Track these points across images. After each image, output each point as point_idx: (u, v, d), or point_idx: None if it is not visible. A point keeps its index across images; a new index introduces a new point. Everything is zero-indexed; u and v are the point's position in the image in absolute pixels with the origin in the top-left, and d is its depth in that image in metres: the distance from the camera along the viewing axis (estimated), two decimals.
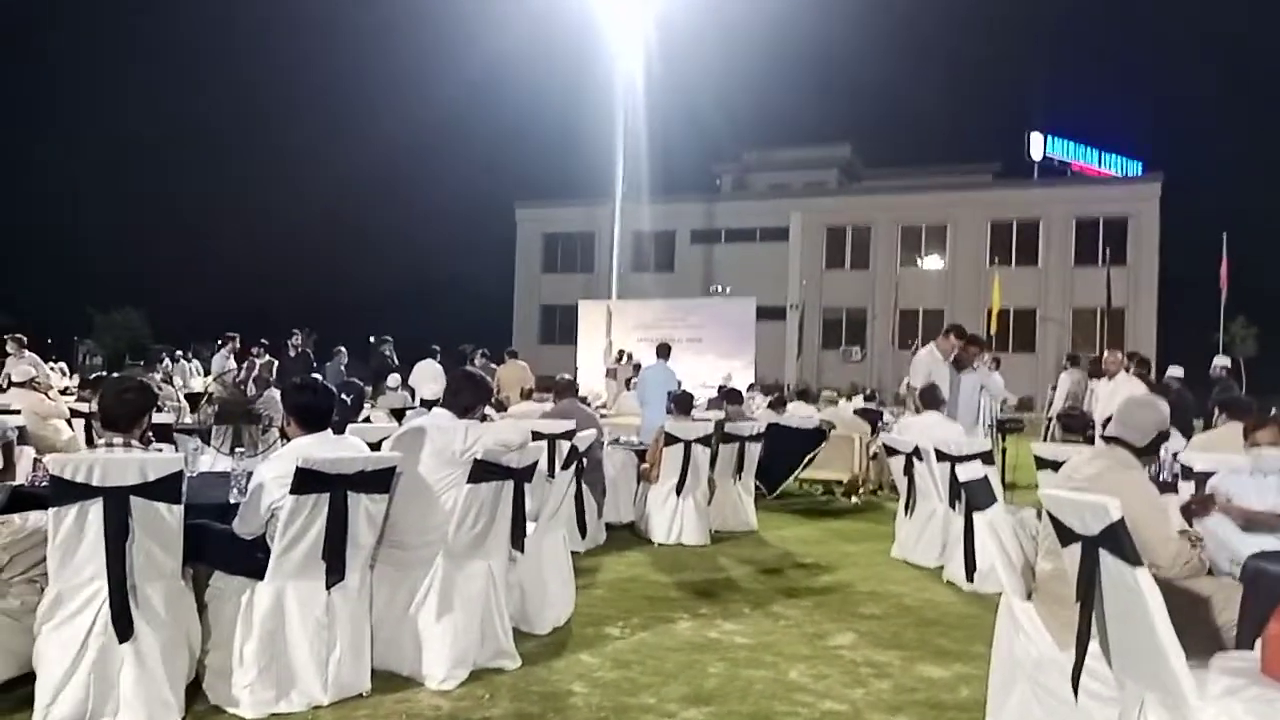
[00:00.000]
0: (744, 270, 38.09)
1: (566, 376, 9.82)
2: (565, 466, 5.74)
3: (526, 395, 12.49)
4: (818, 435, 10.95)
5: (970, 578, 6.41)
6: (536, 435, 5.35)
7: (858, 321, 39.44)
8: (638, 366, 18.02)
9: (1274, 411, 5.54)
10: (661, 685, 4.44)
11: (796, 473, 10.76)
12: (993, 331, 31.17)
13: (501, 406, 10.45)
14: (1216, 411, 7.51)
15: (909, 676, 4.67)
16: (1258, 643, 3.21)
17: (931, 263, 38.70)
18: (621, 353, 21.01)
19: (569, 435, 6.22)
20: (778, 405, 12.44)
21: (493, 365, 16.14)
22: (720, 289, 36.05)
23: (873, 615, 5.84)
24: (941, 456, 7.11)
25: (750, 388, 17.95)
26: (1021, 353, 34.95)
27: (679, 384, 11.29)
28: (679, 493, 8.04)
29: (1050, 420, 12.64)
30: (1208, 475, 5.01)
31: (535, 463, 4.93)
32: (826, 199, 41.59)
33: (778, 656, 4.92)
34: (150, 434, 4.35)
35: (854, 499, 11.00)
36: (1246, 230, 32.17)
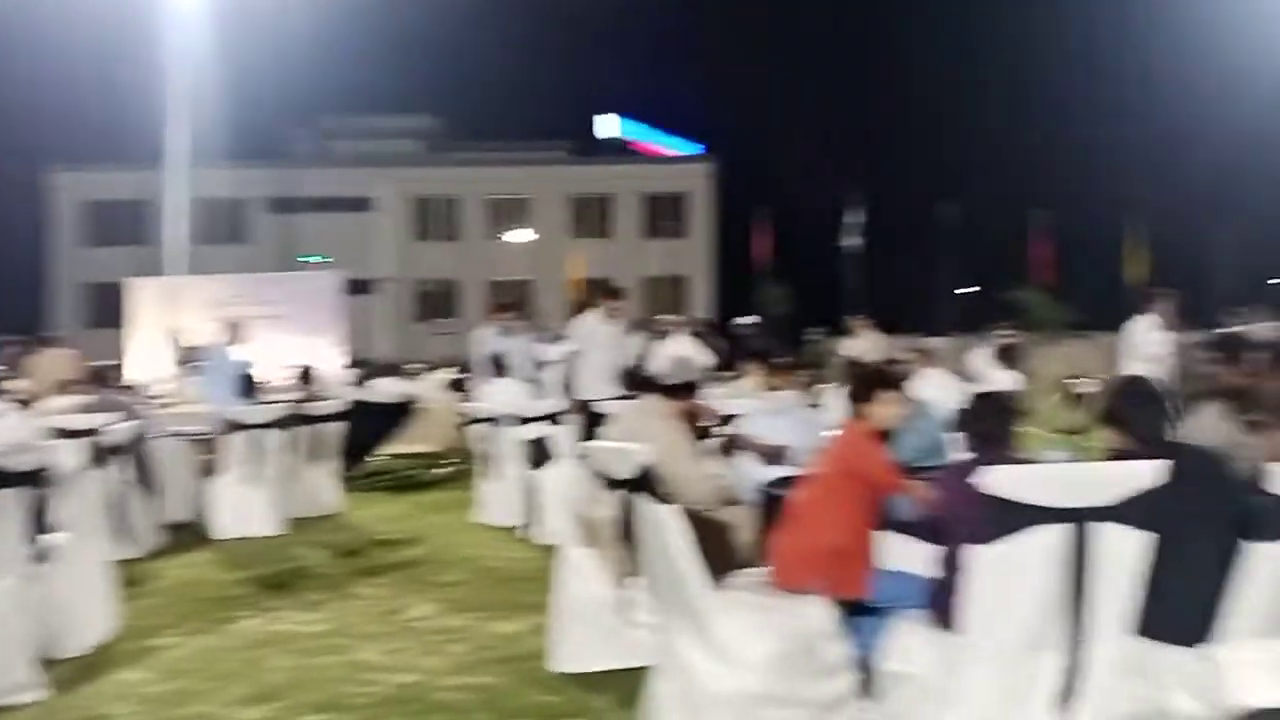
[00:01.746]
0: (329, 242, 36.41)
1: (99, 364, 8.70)
2: (98, 465, 5.07)
3: (64, 388, 10.89)
4: (405, 409, 10.80)
5: (529, 531, 6.74)
6: (65, 433, 4.66)
7: (449, 293, 39.52)
8: (202, 349, 16.49)
9: (779, 359, 6.39)
10: (219, 689, 4.11)
11: (379, 448, 10.54)
12: (575, 301, 32.92)
13: (27, 403, 9.00)
14: (748, 362, 8.52)
15: (484, 636, 4.76)
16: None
17: (518, 235, 39.81)
18: (184, 334, 19.02)
19: (95, 431, 5.49)
20: (363, 381, 12.06)
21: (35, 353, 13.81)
22: (310, 260, 34.14)
23: (453, 582, 5.89)
24: (519, 420, 7.33)
25: (345, 365, 17.21)
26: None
27: (249, 366, 10.52)
28: (248, 482, 7.48)
29: None
30: (736, 417, 5.64)
31: (46, 467, 4.28)
32: (414, 169, 40.95)
33: (351, 639, 4.78)
34: None
35: (444, 469, 11.02)
36: (781, 205, 36.87)
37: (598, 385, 8.27)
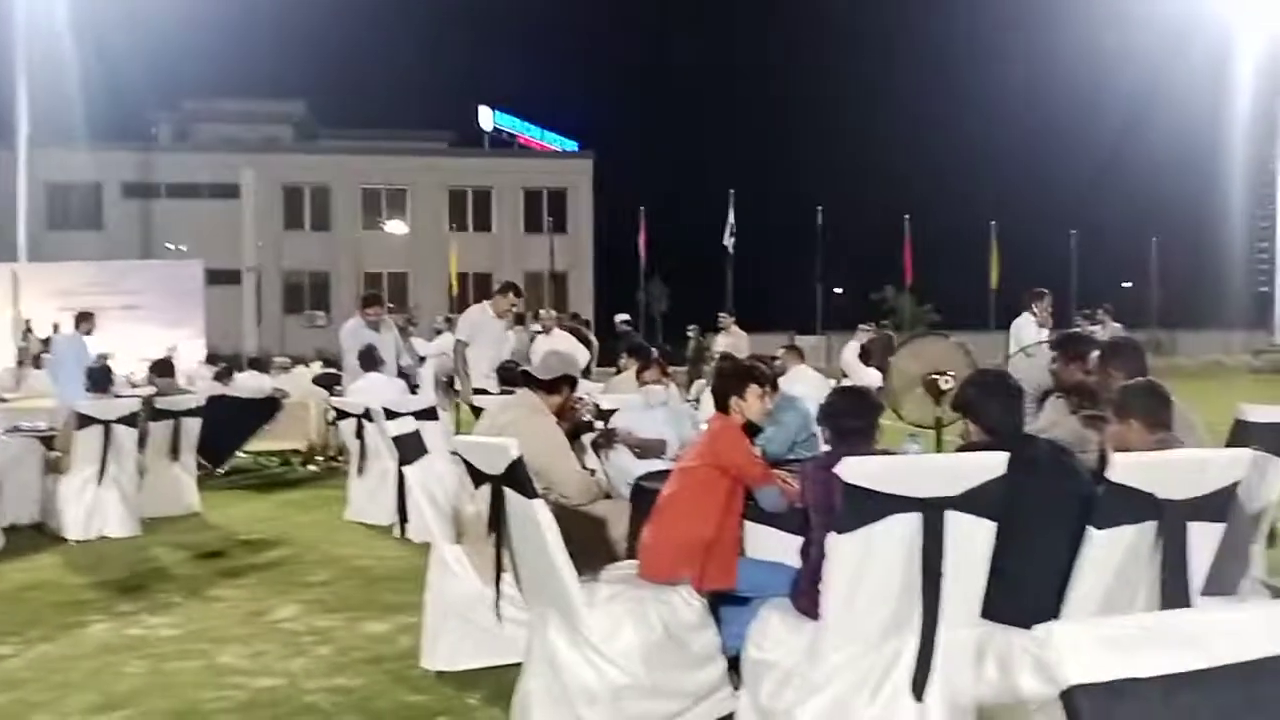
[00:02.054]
0: (191, 229, 34.76)
1: None
2: None
3: None
4: (270, 405, 10.43)
5: (404, 531, 6.63)
6: None
7: (320, 285, 38.31)
8: (51, 340, 15.58)
9: (655, 355, 6.46)
10: (61, 699, 3.88)
11: (242, 445, 10.16)
12: (454, 294, 32.46)
13: None
14: (625, 357, 8.58)
15: (352, 636, 4.64)
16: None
17: (394, 226, 38.91)
18: (32, 324, 17.90)
19: None
20: (224, 375, 11.59)
21: None
22: (175, 248, 32.50)
23: (320, 582, 5.72)
24: (390, 415, 7.16)
25: (205, 360, 16.52)
26: None
27: (103, 358, 9.97)
28: (99, 481, 7.08)
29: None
30: (612, 412, 5.68)
31: None
32: (282, 156, 39.47)
33: (210, 643, 4.58)
34: None
35: (312, 467, 10.70)
36: (660, 204, 37.26)
37: (482, 380, 8.20)
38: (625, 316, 13.96)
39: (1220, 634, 1.27)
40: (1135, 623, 1.30)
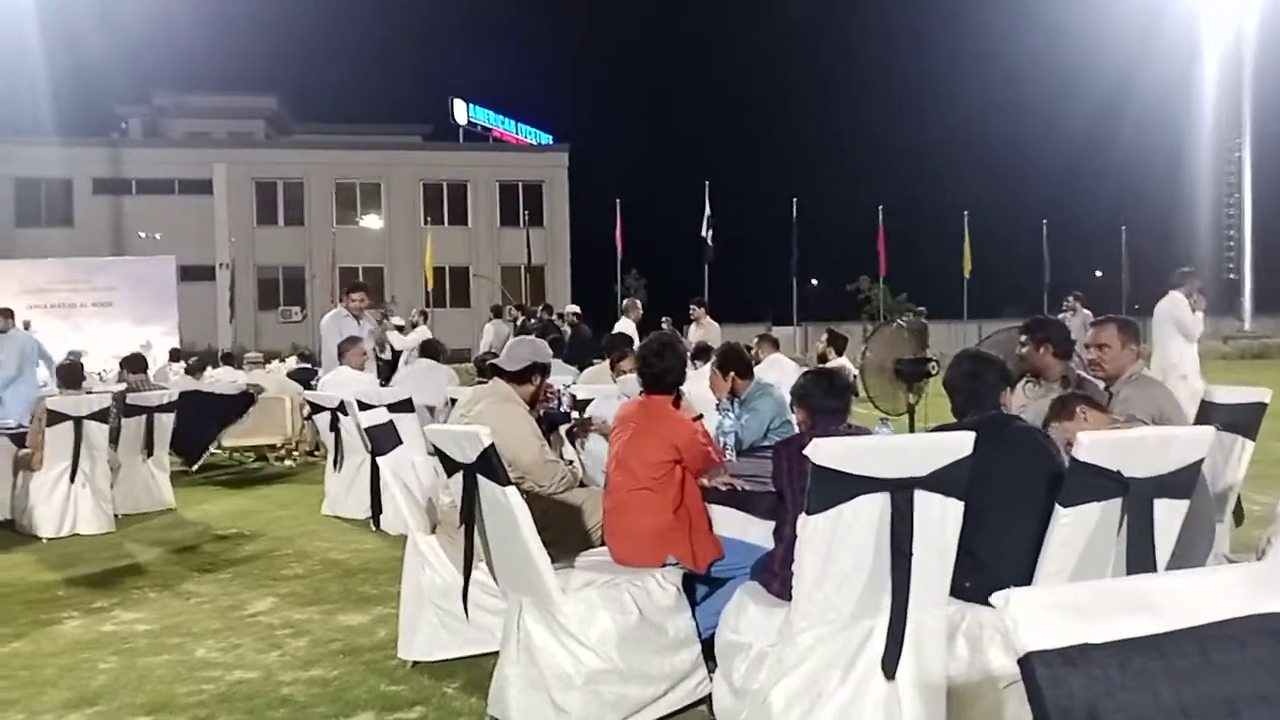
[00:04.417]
0: (163, 225, 34.40)
1: None
2: None
3: None
4: (244, 400, 10.36)
5: (377, 522, 6.65)
6: None
7: (295, 280, 38.01)
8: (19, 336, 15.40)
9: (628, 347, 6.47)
10: (35, 695, 3.85)
11: (215, 441, 10.11)
12: (430, 288, 32.31)
13: None
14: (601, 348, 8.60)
15: (328, 629, 4.63)
16: None
17: (369, 221, 38.64)
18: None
19: None
20: (196, 370, 11.50)
21: None
22: (149, 236, 32.11)
23: (296, 575, 5.69)
24: (364, 407, 7.13)
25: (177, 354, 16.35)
26: (458, 307, 36.73)
27: (75, 354, 9.86)
28: (72, 478, 7.01)
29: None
30: (589, 402, 5.68)
31: None
32: (254, 150, 39.13)
33: (185, 637, 4.56)
34: None
35: (289, 462, 10.66)
36: (635, 195, 37.22)
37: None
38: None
39: (1175, 598, 1.29)
40: (1091, 588, 1.31)
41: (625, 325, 11.03)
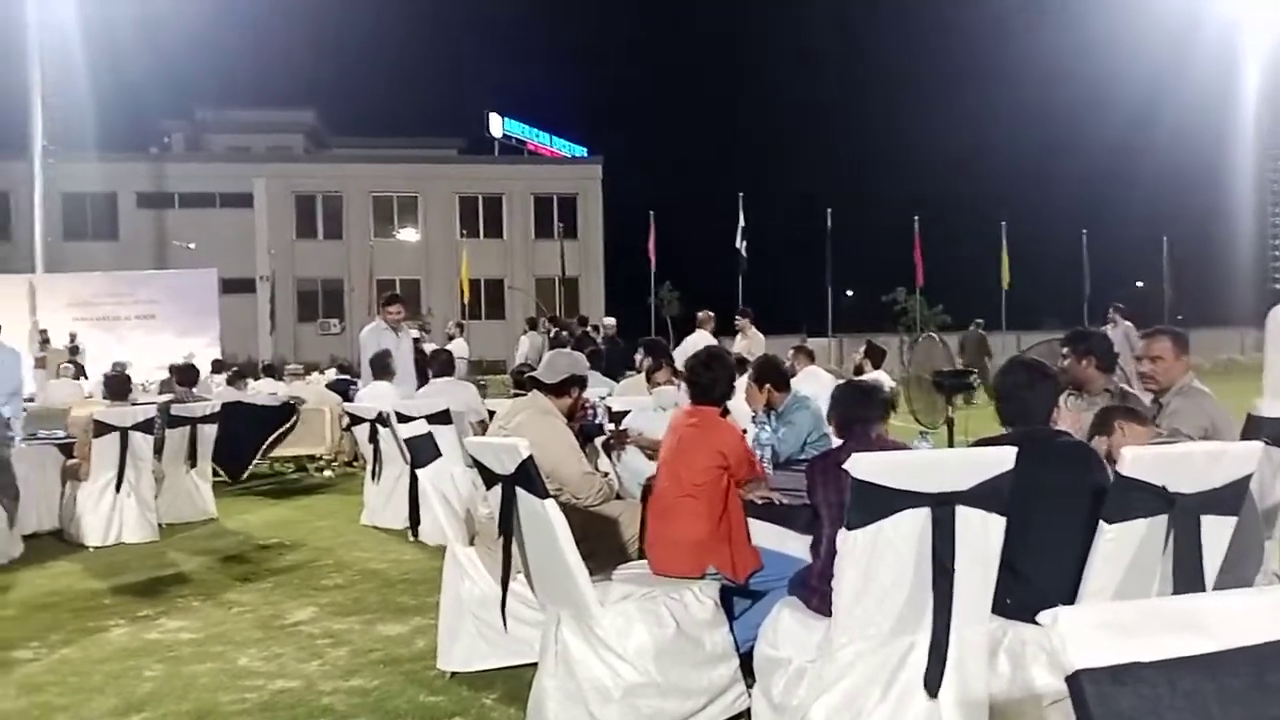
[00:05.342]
0: (205, 238, 34.96)
1: None
2: None
3: None
4: (286, 411, 10.51)
5: (415, 532, 6.72)
6: None
7: (334, 293, 38.44)
8: (75, 350, 15.81)
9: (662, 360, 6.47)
10: (83, 703, 3.93)
11: (263, 452, 10.23)
12: (465, 300, 32.54)
13: None
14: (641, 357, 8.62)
15: (367, 639, 4.68)
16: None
17: (406, 234, 39.05)
18: (45, 333, 18.03)
19: None
20: (236, 381, 11.67)
21: None
22: (183, 246, 32.66)
23: (336, 585, 5.76)
24: (403, 419, 7.21)
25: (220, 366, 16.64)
26: (493, 319, 36.96)
27: (121, 366, 10.05)
28: (117, 488, 7.15)
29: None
30: (624, 414, 5.70)
31: None
32: (293, 165, 39.67)
33: (227, 645, 4.62)
34: None
35: (329, 472, 10.78)
36: (668, 207, 37.25)
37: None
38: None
39: (1226, 618, 1.28)
40: (1139, 607, 1.30)
41: (702, 337, 10.65)
